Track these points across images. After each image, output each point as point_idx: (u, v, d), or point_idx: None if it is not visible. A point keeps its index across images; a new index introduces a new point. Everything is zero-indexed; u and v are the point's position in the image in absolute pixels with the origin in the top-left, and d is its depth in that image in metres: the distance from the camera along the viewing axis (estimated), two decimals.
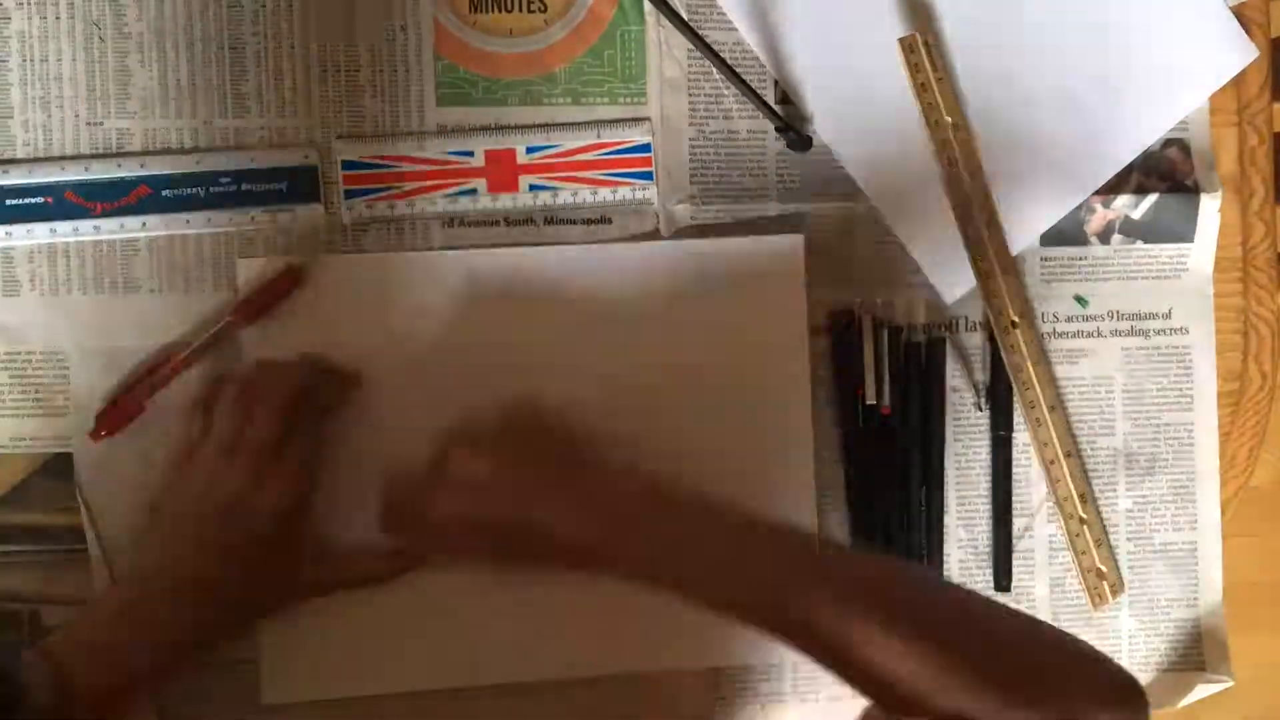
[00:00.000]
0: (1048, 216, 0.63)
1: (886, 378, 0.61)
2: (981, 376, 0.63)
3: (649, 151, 0.60)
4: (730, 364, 0.61)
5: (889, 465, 0.62)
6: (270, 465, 0.54)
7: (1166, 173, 0.64)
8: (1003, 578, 0.63)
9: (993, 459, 0.63)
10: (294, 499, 0.55)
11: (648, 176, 0.60)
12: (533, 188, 0.60)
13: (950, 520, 0.63)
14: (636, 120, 0.61)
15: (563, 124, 0.60)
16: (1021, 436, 0.63)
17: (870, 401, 0.61)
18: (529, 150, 0.60)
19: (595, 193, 0.60)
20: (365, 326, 0.59)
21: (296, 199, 0.59)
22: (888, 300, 0.63)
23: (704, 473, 0.59)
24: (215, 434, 0.55)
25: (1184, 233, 0.64)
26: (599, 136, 0.60)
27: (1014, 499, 0.63)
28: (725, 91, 0.62)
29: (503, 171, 0.59)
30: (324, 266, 0.59)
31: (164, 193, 0.58)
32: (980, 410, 0.63)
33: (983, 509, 0.63)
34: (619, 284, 0.60)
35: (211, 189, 0.58)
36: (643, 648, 0.60)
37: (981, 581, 0.63)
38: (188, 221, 0.58)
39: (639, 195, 0.60)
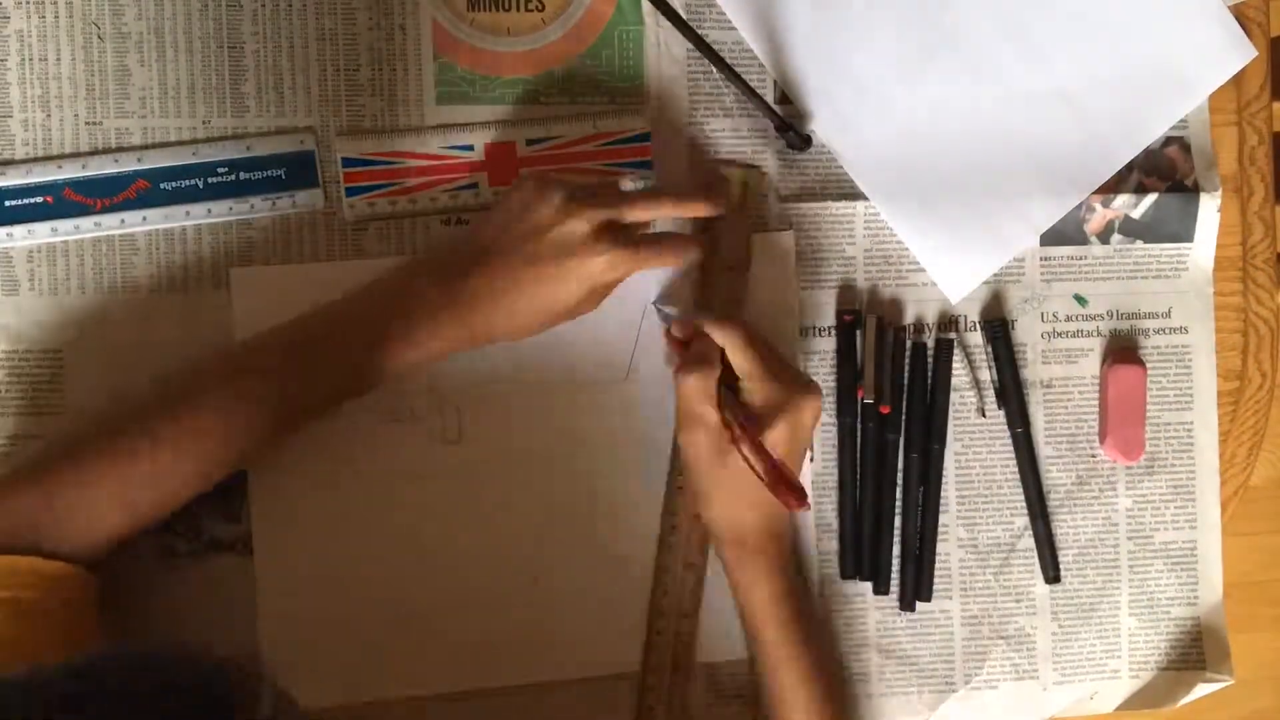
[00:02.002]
0: (1048, 216, 0.63)
1: (888, 377, 0.61)
2: (989, 375, 0.63)
3: (648, 141, 0.60)
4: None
5: (888, 464, 0.62)
6: (610, 234, 0.54)
7: (1166, 172, 0.64)
8: (1050, 569, 0.63)
9: (1018, 457, 0.63)
10: (607, 276, 0.55)
11: (647, 166, 0.60)
12: None
13: (950, 520, 0.63)
14: (635, 110, 0.61)
15: (562, 116, 0.60)
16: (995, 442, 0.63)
17: (869, 400, 0.61)
18: (529, 143, 0.60)
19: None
20: None
21: (295, 185, 0.59)
22: (893, 299, 0.63)
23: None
24: (570, 183, 0.55)
25: (1184, 232, 0.64)
26: (596, 127, 0.60)
27: (1009, 499, 0.63)
28: (724, 91, 0.61)
29: (503, 165, 0.59)
30: (326, 272, 0.59)
31: (162, 185, 0.58)
32: (984, 415, 0.63)
33: (983, 508, 0.63)
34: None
35: (210, 180, 0.58)
36: (640, 648, 0.60)
37: (982, 581, 0.63)
38: (188, 213, 0.58)
39: (639, 186, 0.60)
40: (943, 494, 0.63)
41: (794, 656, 0.57)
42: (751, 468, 0.53)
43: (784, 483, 0.52)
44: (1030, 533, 0.63)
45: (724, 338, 0.55)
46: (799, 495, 0.52)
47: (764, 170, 0.61)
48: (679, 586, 0.60)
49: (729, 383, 0.56)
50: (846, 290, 0.63)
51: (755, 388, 0.55)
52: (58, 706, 0.33)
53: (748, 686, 0.62)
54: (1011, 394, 0.63)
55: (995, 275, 0.63)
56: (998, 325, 0.63)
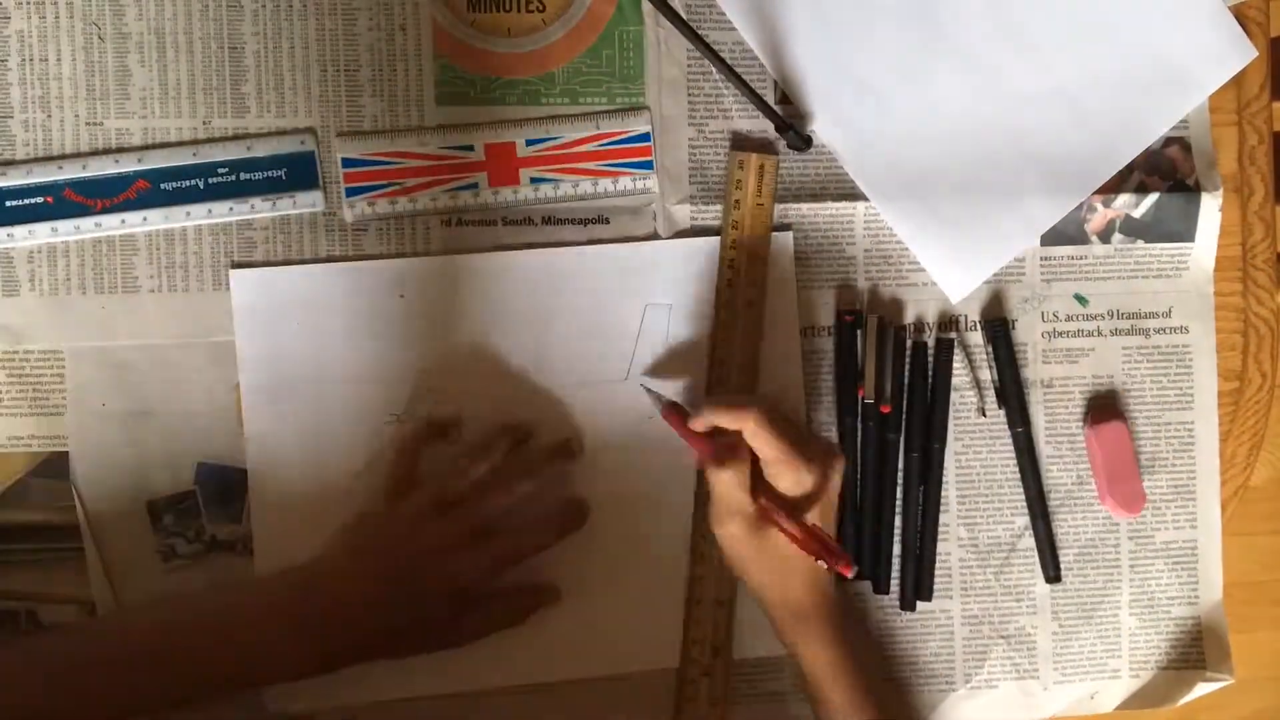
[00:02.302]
0: (1048, 216, 0.63)
1: (888, 377, 0.61)
2: (989, 375, 0.63)
3: (648, 141, 0.60)
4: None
5: (888, 464, 0.62)
6: (486, 537, 0.56)
7: (1167, 171, 0.64)
8: (1050, 568, 0.63)
9: (1018, 456, 0.63)
10: (491, 573, 0.57)
11: (648, 166, 0.60)
12: (533, 181, 0.60)
13: (950, 519, 0.63)
14: (636, 110, 0.61)
15: (562, 116, 0.60)
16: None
17: (869, 400, 0.61)
18: (529, 143, 0.60)
19: (596, 184, 0.60)
20: (362, 332, 0.59)
21: (295, 186, 0.59)
22: (893, 299, 0.63)
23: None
24: (434, 487, 0.57)
25: (1184, 232, 0.64)
26: (598, 127, 0.60)
27: (1009, 499, 0.63)
28: (724, 91, 0.62)
29: (503, 165, 0.60)
30: (326, 273, 0.59)
31: (163, 186, 0.58)
32: (984, 415, 0.63)
33: (983, 508, 0.63)
34: (616, 285, 0.60)
35: (210, 180, 0.58)
36: (639, 647, 0.60)
37: (982, 580, 0.63)
38: (188, 214, 0.58)
39: (639, 185, 0.60)
40: (943, 494, 0.63)
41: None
42: (795, 540, 0.54)
43: (830, 552, 0.54)
44: (1030, 532, 0.63)
45: (745, 426, 0.55)
46: (846, 560, 0.54)
47: (779, 154, 0.61)
48: (715, 573, 0.60)
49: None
50: (846, 290, 0.63)
51: (782, 471, 0.55)
52: None
53: (749, 688, 0.61)
54: (1012, 394, 0.63)
55: (996, 275, 0.63)
56: (998, 325, 0.63)
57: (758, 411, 0.54)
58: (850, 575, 0.54)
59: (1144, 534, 0.65)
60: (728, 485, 0.55)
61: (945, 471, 0.63)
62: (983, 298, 0.64)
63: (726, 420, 0.55)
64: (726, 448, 0.55)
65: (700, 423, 0.56)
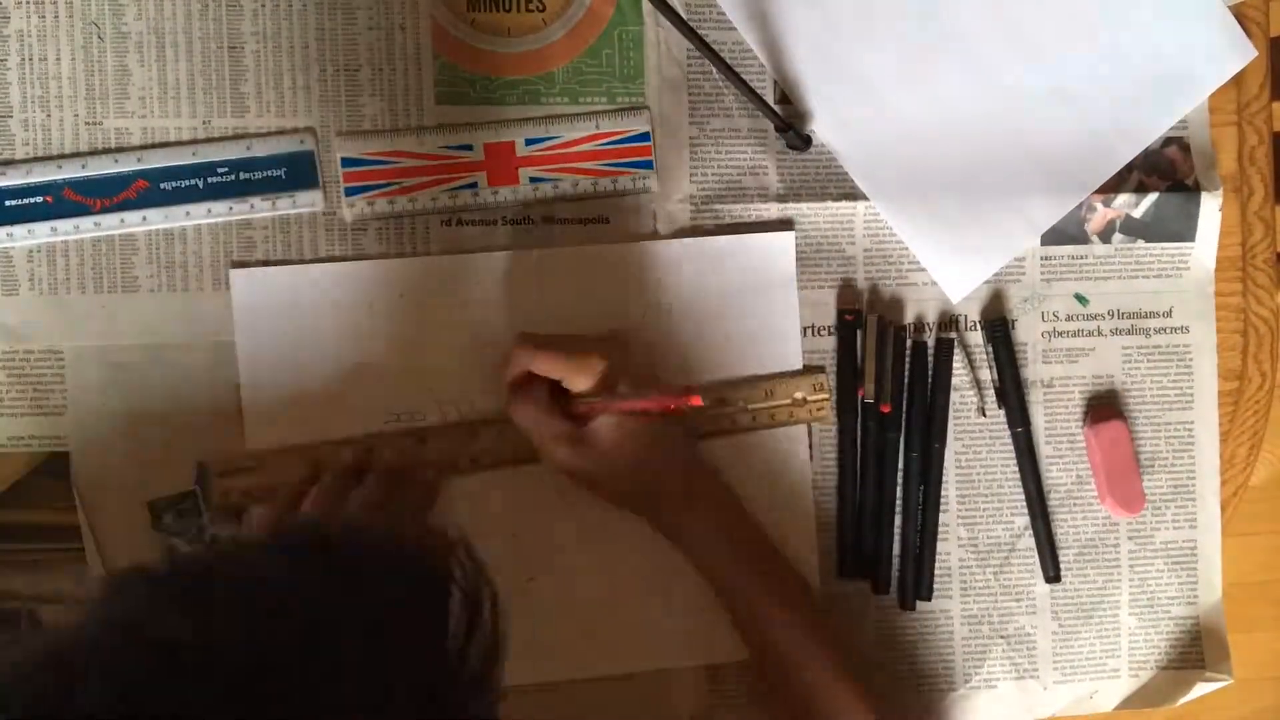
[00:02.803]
0: (1048, 215, 0.63)
1: (889, 376, 0.61)
2: (989, 375, 0.63)
3: (648, 140, 0.60)
4: (725, 362, 0.61)
5: (888, 464, 0.62)
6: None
7: (1167, 171, 0.64)
8: (1050, 568, 0.63)
9: (1018, 456, 0.63)
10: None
11: (648, 166, 0.60)
12: (533, 180, 0.60)
13: (950, 519, 0.63)
14: (636, 109, 0.61)
15: (561, 115, 0.60)
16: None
17: (869, 400, 0.61)
18: (528, 143, 0.60)
19: (596, 183, 0.60)
20: (362, 332, 0.59)
21: (295, 186, 0.59)
22: (893, 299, 0.63)
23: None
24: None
25: (1185, 231, 0.64)
26: (598, 127, 0.60)
27: (1009, 499, 0.63)
28: (725, 91, 0.61)
29: (502, 165, 0.59)
30: (326, 272, 0.59)
31: (162, 185, 0.58)
32: (985, 415, 0.63)
33: (983, 508, 0.63)
34: (615, 284, 0.60)
35: (210, 179, 0.58)
36: (638, 648, 0.60)
37: (982, 580, 0.63)
38: (188, 213, 0.58)
39: (639, 184, 0.60)
40: (943, 493, 0.63)
41: (769, 589, 0.57)
42: (634, 410, 0.54)
43: (668, 394, 0.54)
44: (1030, 532, 0.63)
45: (518, 362, 0.56)
46: (690, 390, 0.53)
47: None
48: None
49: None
50: (847, 289, 0.63)
51: (572, 375, 0.55)
52: (287, 566, 0.35)
53: (752, 688, 0.61)
54: (1012, 394, 0.63)
55: (996, 275, 0.63)
56: (998, 325, 0.63)
57: (515, 343, 0.56)
58: (701, 404, 0.53)
59: (1144, 534, 0.65)
60: (526, 415, 0.56)
61: (945, 471, 0.63)
62: (983, 298, 0.64)
63: (508, 377, 0.56)
64: (511, 390, 0.56)
65: (507, 388, 0.57)
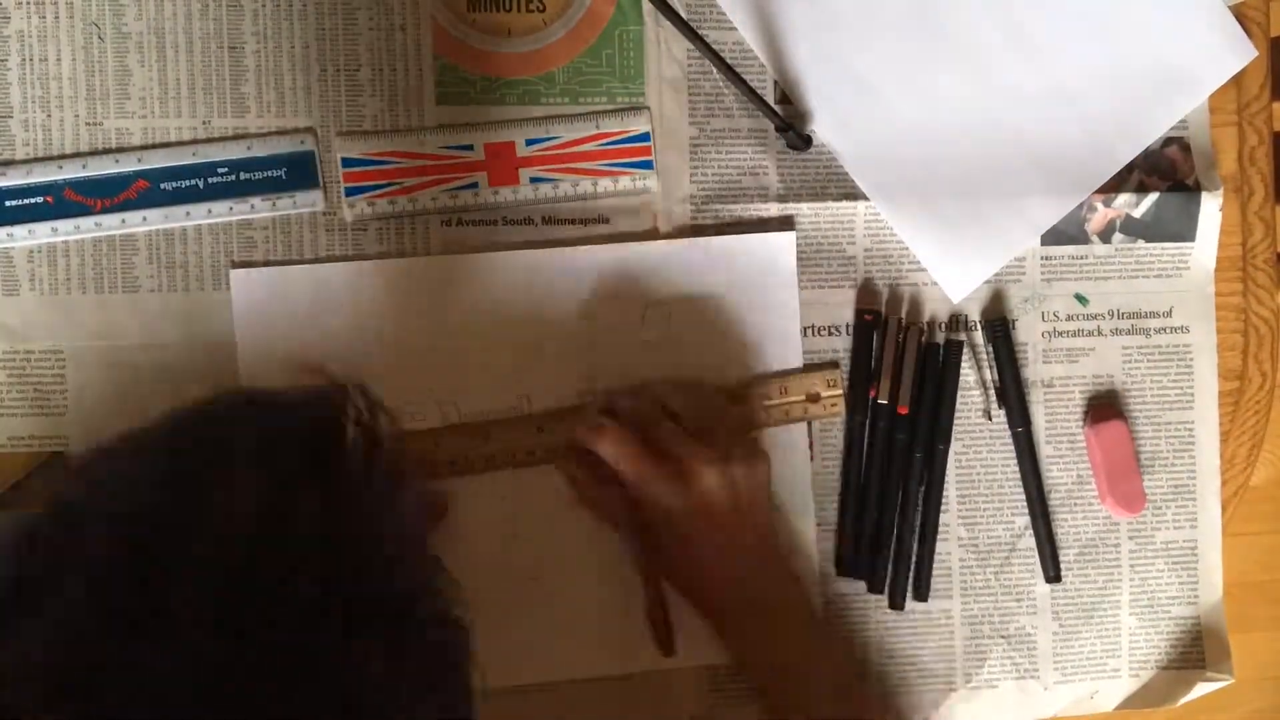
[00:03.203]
0: (1048, 215, 0.63)
1: (909, 379, 0.61)
2: (990, 375, 0.63)
3: (648, 141, 0.60)
4: (726, 362, 0.61)
5: (895, 464, 0.62)
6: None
7: (1167, 171, 0.64)
8: (1050, 568, 0.63)
9: (1019, 456, 0.63)
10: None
11: (648, 166, 0.60)
12: (533, 180, 0.60)
13: (950, 519, 0.63)
14: (636, 109, 0.61)
15: (562, 115, 0.60)
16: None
17: (882, 401, 0.61)
18: (529, 143, 0.60)
19: (596, 183, 0.60)
20: (362, 332, 0.59)
21: (295, 186, 0.59)
22: (915, 300, 0.63)
23: None
24: None
25: (1185, 231, 0.64)
26: (598, 127, 0.60)
27: (1010, 499, 0.63)
28: (725, 91, 0.62)
29: (503, 165, 0.60)
30: (326, 272, 0.59)
31: (163, 186, 0.58)
32: (990, 419, 0.63)
33: (983, 508, 0.63)
34: (615, 284, 0.60)
35: (210, 180, 0.58)
36: (638, 648, 0.60)
37: (982, 580, 0.63)
38: (188, 214, 0.58)
39: (639, 185, 0.60)
40: (944, 494, 0.63)
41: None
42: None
43: (656, 627, 0.58)
44: (1030, 532, 0.63)
45: (601, 450, 0.57)
46: (665, 645, 0.59)
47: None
48: None
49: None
50: (866, 289, 0.63)
51: (695, 416, 0.57)
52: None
53: (750, 688, 0.61)
54: (1012, 393, 0.63)
55: (996, 275, 0.63)
56: (998, 324, 0.63)
57: (604, 432, 0.56)
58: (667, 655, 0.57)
59: (1144, 534, 0.65)
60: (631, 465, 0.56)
61: (946, 471, 0.63)
62: (983, 298, 0.64)
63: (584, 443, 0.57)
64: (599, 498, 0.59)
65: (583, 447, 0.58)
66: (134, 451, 0.36)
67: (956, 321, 0.63)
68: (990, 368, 0.63)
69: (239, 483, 0.33)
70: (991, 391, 0.63)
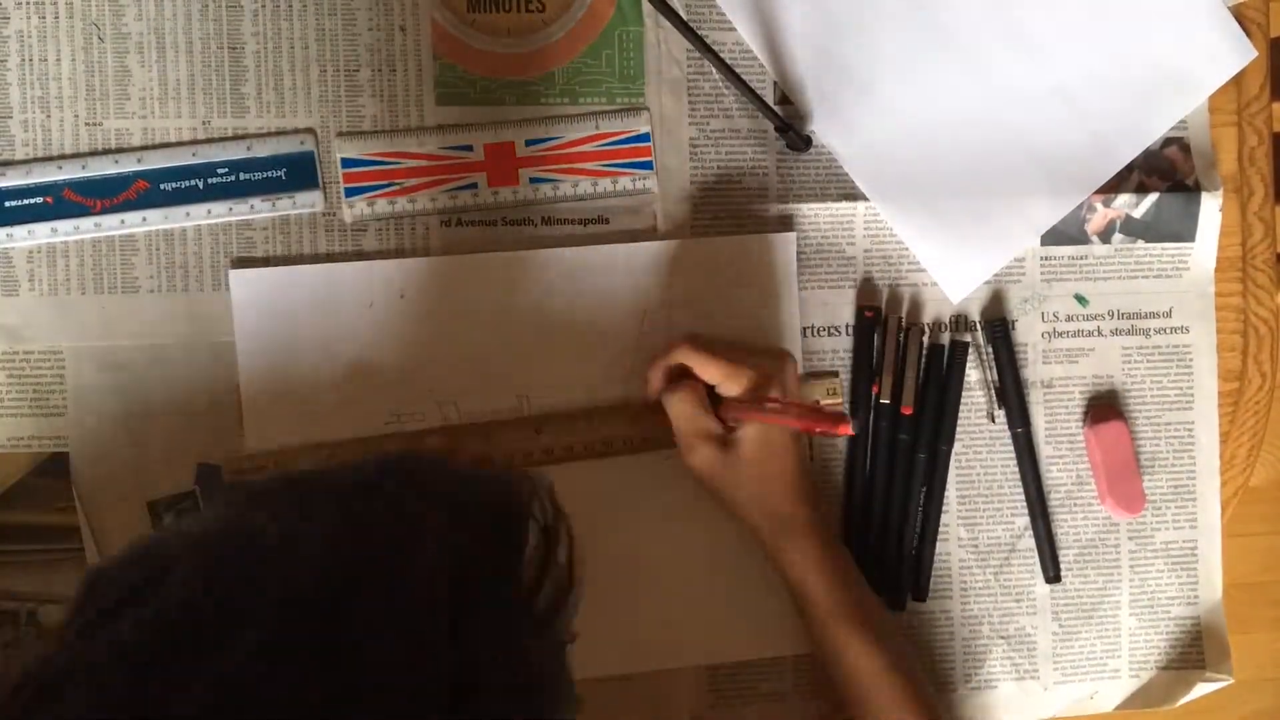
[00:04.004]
0: (1048, 216, 0.63)
1: (911, 379, 0.61)
2: (989, 376, 0.63)
3: (648, 141, 0.60)
4: None
5: (899, 464, 0.62)
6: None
7: (1167, 172, 0.64)
8: (1050, 568, 0.63)
9: (1018, 457, 0.63)
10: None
11: (648, 166, 0.60)
12: (533, 181, 0.60)
13: (950, 519, 0.63)
14: (636, 110, 0.61)
15: (561, 116, 0.60)
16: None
17: (884, 400, 0.61)
18: (528, 143, 0.60)
19: (596, 184, 0.60)
20: (362, 332, 0.59)
21: (295, 186, 0.59)
22: (913, 298, 0.63)
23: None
24: None
25: (1185, 232, 0.64)
26: (598, 127, 0.60)
27: (1010, 499, 0.63)
28: (725, 91, 0.62)
29: (502, 165, 0.60)
30: (326, 273, 0.59)
31: (162, 186, 0.58)
32: (994, 421, 0.63)
33: (983, 508, 0.63)
34: (615, 285, 0.60)
35: (210, 180, 0.58)
36: (638, 648, 0.60)
37: (982, 581, 0.63)
38: (188, 214, 0.58)
39: (639, 185, 0.60)
40: (944, 494, 0.63)
41: (864, 622, 0.56)
42: (780, 420, 0.54)
43: (821, 417, 0.53)
44: (1030, 532, 0.63)
45: (679, 358, 0.57)
46: (843, 419, 0.53)
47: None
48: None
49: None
50: (866, 288, 0.63)
51: (729, 382, 0.56)
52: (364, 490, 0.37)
53: (749, 688, 0.62)
54: (1012, 394, 0.63)
55: (996, 275, 0.63)
56: (998, 325, 0.63)
57: (682, 341, 0.57)
58: (852, 433, 0.54)
59: (1144, 534, 0.65)
60: (683, 410, 0.56)
61: (948, 472, 0.63)
62: (983, 298, 0.64)
63: (661, 365, 0.57)
64: (674, 377, 0.57)
65: (652, 382, 0.58)
66: (327, 490, 0.36)
67: (959, 322, 0.63)
68: (989, 368, 0.63)
69: (416, 566, 0.33)
70: (993, 392, 0.63)
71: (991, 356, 0.63)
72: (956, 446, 0.63)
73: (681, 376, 0.58)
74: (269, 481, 0.37)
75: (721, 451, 0.56)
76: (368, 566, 0.33)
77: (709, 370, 0.57)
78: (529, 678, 0.35)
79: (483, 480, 0.40)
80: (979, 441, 0.63)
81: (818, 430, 0.52)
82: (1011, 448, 0.63)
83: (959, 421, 0.63)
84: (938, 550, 0.63)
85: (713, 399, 0.57)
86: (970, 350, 0.63)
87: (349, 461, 0.38)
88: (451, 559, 0.34)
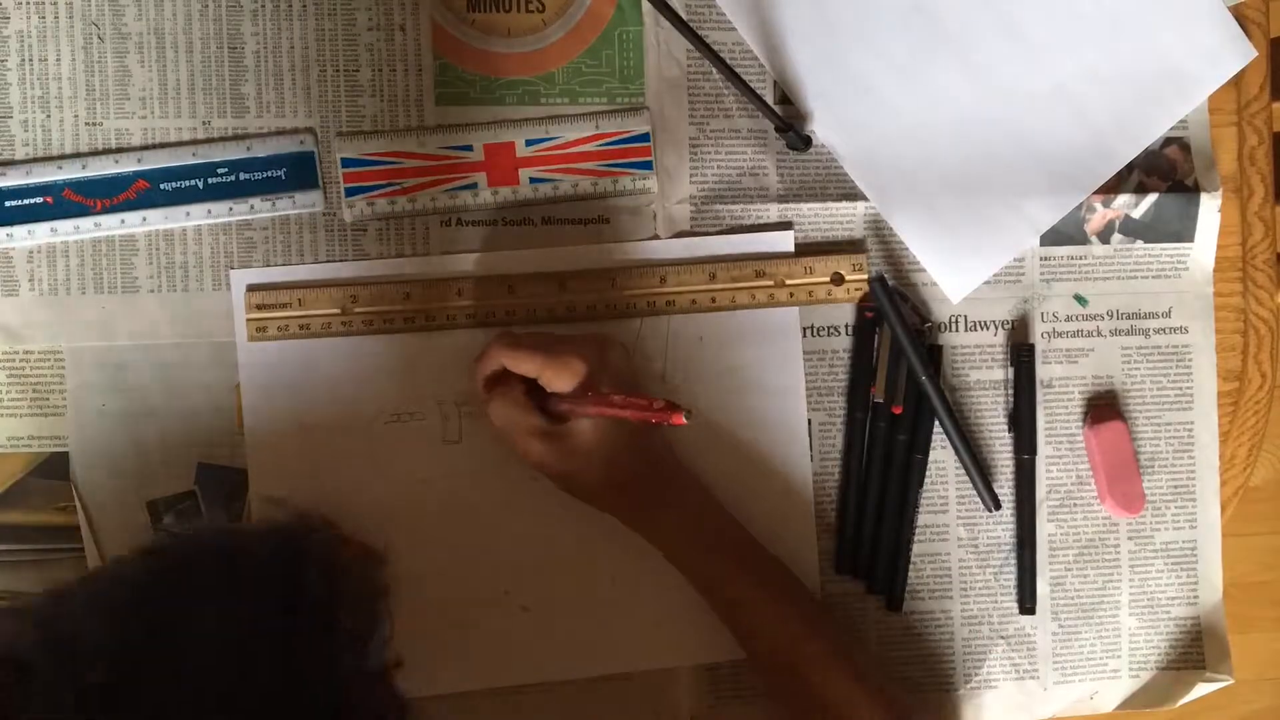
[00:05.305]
0: (1048, 216, 0.63)
1: (902, 377, 0.61)
2: (1006, 395, 0.63)
3: (648, 141, 0.60)
4: (726, 362, 0.61)
5: (895, 465, 0.62)
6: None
7: (1166, 172, 0.64)
8: (1028, 601, 0.63)
9: (1018, 483, 0.63)
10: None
11: (647, 166, 0.60)
12: (533, 181, 0.60)
13: (950, 519, 0.63)
14: (635, 109, 0.61)
15: (561, 116, 0.60)
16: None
17: (878, 400, 0.61)
18: (528, 143, 0.60)
19: (596, 184, 0.60)
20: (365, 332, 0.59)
21: (295, 186, 0.59)
22: (918, 300, 0.63)
23: (699, 468, 0.59)
24: None
25: (1184, 232, 0.64)
26: (598, 127, 0.60)
27: (1009, 499, 0.63)
28: (725, 91, 0.62)
29: (502, 165, 0.60)
30: (325, 273, 0.59)
31: (162, 186, 0.58)
32: (1010, 432, 0.63)
33: (983, 508, 0.63)
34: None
35: (210, 180, 0.58)
36: (638, 647, 0.60)
37: (982, 581, 0.63)
38: (188, 214, 0.58)
39: (639, 185, 0.60)
40: (943, 494, 0.63)
41: (744, 563, 0.56)
42: (613, 413, 0.52)
43: (649, 413, 0.51)
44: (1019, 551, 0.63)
45: (494, 359, 0.55)
46: (673, 406, 0.50)
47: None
48: None
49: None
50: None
51: (550, 375, 0.54)
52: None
53: (749, 688, 0.62)
54: (1025, 421, 0.62)
55: (995, 275, 0.63)
56: (1025, 351, 0.62)
57: (493, 342, 0.55)
58: (685, 421, 0.50)
59: (1144, 534, 0.65)
60: (501, 413, 0.55)
61: (945, 472, 0.63)
62: (1008, 317, 0.63)
63: (479, 373, 0.56)
64: (488, 384, 0.56)
65: (480, 391, 0.56)
66: (112, 579, 0.40)
67: (959, 322, 0.63)
68: (1007, 391, 0.63)
69: (205, 618, 0.37)
70: (1008, 418, 0.63)
71: (1012, 380, 0.63)
72: None
73: (503, 378, 0.56)
74: (31, 602, 0.40)
75: (556, 444, 0.54)
76: (134, 660, 0.35)
77: (524, 366, 0.54)
78: (338, 706, 0.38)
79: (255, 539, 0.42)
80: (979, 442, 0.63)
81: (653, 420, 0.51)
82: (1011, 449, 0.63)
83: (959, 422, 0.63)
84: (938, 550, 0.63)
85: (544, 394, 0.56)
86: (971, 349, 0.63)
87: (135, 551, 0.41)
88: (231, 628, 0.37)
